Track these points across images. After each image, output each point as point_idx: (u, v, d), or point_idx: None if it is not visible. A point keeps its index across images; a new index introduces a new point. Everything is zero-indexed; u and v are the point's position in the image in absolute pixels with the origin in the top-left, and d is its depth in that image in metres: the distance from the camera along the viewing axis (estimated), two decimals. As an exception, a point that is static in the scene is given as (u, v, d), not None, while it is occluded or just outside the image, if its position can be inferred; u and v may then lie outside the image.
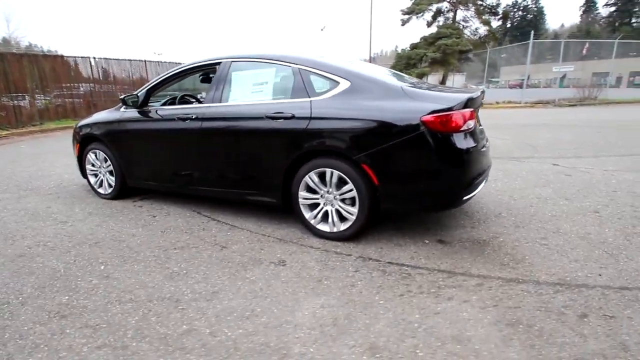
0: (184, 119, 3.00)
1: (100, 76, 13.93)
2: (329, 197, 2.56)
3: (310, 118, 2.47)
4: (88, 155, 3.73)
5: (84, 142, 3.75)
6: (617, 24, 59.22)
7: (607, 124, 9.03)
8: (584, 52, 31.97)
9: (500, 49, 23.79)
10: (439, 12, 26.43)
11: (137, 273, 2.24)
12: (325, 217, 2.62)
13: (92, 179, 3.82)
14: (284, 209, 2.83)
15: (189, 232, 2.86)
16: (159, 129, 3.19)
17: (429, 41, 23.94)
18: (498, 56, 23.38)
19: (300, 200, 2.64)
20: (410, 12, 26.27)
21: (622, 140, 6.58)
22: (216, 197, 3.24)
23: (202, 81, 3.73)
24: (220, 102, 2.89)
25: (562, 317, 1.76)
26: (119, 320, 1.79)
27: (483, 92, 2.49)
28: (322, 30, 44.68)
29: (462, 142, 2.26)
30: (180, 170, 3.17)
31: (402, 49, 25.97)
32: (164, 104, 3.56)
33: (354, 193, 2.43)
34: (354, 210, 2.46)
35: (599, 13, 66.82)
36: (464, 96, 2.32)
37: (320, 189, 2.57)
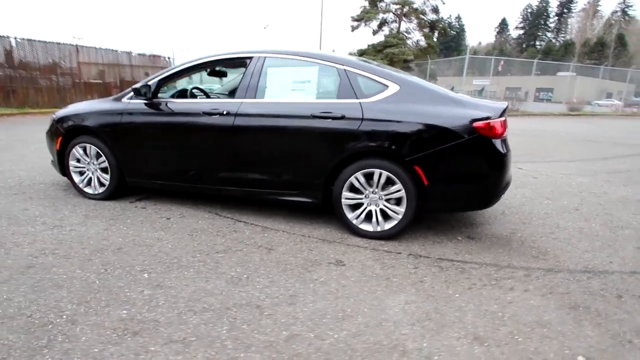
0: (210, 114, 2.80)
1: (22, 60, 12.07)
2: (373, 197, 2.62)
3: (362, 119, 2.50)
4: (74, 150, 3.27)
5: (68, 136, 3.28)
6: (524, 45, 68.15)
7: (537, 133, 10.39)
8: (500, 68, 36.18)
9: (438, 61, 25.98)
10: (384, 22, 28.05)
11: (192, 280, 2.07)
12: (367, 217, 2.67)
13: (77, 177, 3.36)
14: (323, 210, 2.82)
15: (221, 234, 2.69)
16: (177, 123, 2.93)
17: (377, 49, 25.29)
18: (435, 67, 25.48)
19: (343, 200, 2.66)
20: (360, 19, 27.47)
21: (558, 147, 7.66)
22: (242, 198, 3.09)
23: (210, 74, 3.53)
24: (255, 98, 2.77)
25: (605, 298, 2.05)
26: (208, 332, 1.65)
27: (508, 104, 2.75)
28: (265, 28, 44.00)
29: (502, 147, 2.48)
30: (203, 168, 2.95)
31: (349, 53, 26.95)
32: (172, 97, 3.28)
33: (402, 193, 2.52)
34: (401, 209, 2.56)
35: (510, 34, 76.12)
36: (501, 106, 2.56)
37: (365, 189, 2.62)
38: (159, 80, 3.02)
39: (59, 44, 13.18)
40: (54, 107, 12.41)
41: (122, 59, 15.67)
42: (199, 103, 2.98)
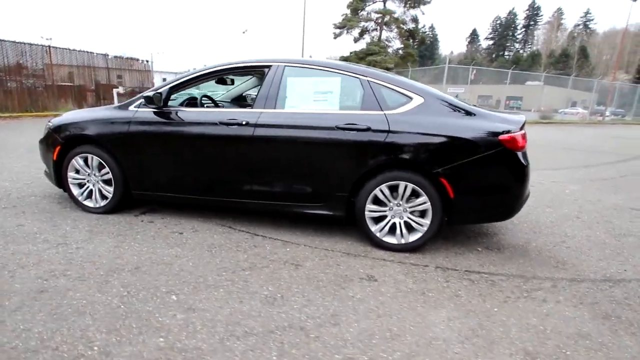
0: (228, 124, 2.70)
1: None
2: (397, 210, 2.60)
3: (389, 131, 2.48)
4: (73, 160, 3.07)
5: (66, 145, 3.08)
6: (494, 55, 71.10)
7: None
8: (472, 77, 37.54)
9: (418, 70, 26.68)
10: (365, 31, 28.57)
11: (225, 301, 1.96)
12: (390, 230, 2.64)
13: (76, 190, 3.15)
14: (341, 222, 2.77)
15: (242, 250, 2.59)
16: (192, 133, 2.81)
17: (359, 56, 25.68)
18: (414, 75, 26.11)
19: (366, 213, 2.62)
20: (342, 27, 27.85)
21: (540, 156, 7.96)
22: (260, 211, 3.00)
23: (218, 82, 3.43)
24: (275, 108, 2.70)
25: (631, 307, 2.11)
26: (257, 359, 1.56)
27: (525, 118, 2.80)
28: (243, 32, 43.63)
29: (524, 159, 2.53)
30: (219, 180, 2.84)
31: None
32: (180, 105, 3.15)
33: (428, 205, 2.52)
34: (426, 221, 2.55)
35: (480, 44, 79.24)
36: (521, 119, 2.61)
37: (390, 202, 2.59)
38: (170, 88, 2.90)
39: (30, 44, 12.51)
40: (25, 110, 11.76)
41: (98, 61, 15.06)
42: (215, 112, 2.87)
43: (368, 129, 2.51)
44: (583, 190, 4.86)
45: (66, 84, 13.89)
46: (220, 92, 4.16)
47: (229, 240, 2.74)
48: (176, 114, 2.86)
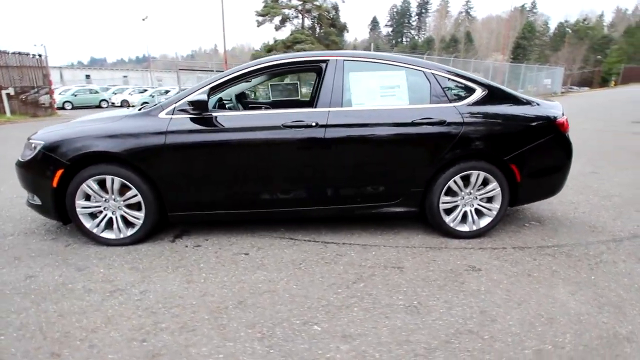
0: (294, 127, 2.44)
1: None
2: (468, 199, 2.69)
3: (463, 123, 2.53)
4: (84, 185, 2.47)
5: (72, 167, 2.45)
6: (394, 41, 76.34)
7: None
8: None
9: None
10: (286, 18, 27.89)
11: (371, 321, 1.82)
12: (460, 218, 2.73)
13: (88, 222, 2.55)
14: (420, 217, 2.76)
15: (331, 262, 2.41)
16: (250, 140, 2.46)
17: (287, 45, 25.02)
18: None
19: (440, 205, 2.66)
20: (265, 14, 26.68)
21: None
22: (329, 217, 2.83)
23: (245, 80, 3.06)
24: (342, 106, 2.52)
25: (671, 256, 2.55)
26: (464, 373, 1.50)
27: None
28: (143, 20, 39.11)
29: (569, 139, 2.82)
30: (285, 190, 2.56)
31: (256, 50, 26.20)
32: (213, 108, 2.73)
33: (498, 191, 2.65)
34: (496, 206, 2.69)
35: (380, 31, 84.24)
36: (560, 105, 2.89)
37: (461, 191, 2.67)
38: (211, 89, 2.50)
39: None
40: None
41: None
42: (273, 115, 2.56)
43: (443, 122, 2.52)
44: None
45: None
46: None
47: (306, 253, 2.53)
48: (223, 120, 2.48)
